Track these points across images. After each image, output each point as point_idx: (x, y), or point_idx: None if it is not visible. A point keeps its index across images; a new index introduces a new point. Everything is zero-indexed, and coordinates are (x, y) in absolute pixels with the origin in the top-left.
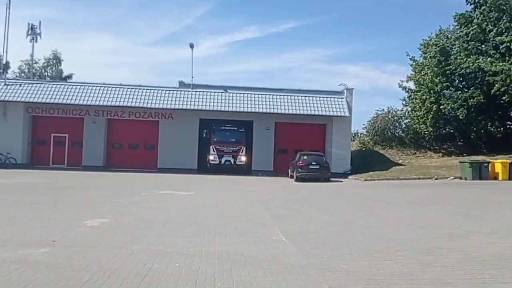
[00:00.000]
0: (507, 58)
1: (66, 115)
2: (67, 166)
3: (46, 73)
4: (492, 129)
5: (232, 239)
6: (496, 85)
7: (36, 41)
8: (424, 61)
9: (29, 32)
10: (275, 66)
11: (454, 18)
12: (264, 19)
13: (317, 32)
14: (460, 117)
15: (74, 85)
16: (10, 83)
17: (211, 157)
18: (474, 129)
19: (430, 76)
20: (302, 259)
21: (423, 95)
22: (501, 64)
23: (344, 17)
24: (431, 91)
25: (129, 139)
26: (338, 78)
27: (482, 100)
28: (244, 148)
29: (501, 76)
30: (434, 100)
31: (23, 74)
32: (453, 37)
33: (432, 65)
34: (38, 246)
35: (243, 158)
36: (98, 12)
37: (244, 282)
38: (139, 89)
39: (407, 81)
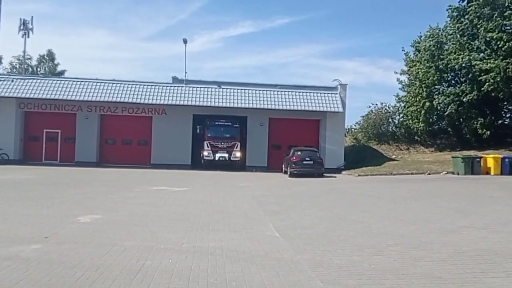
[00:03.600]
0: (498, 54)
1: (58, 111)
2: (59, 162)
3: (39, 70)
4: (484, 124)
5: (226, 235)
6: (487, 83)
7: (28, 37)
8: (417, 57)
9: (21, 28)
10: (271, 62)
11: (448, 11)
12: (259, 14)
13: (313, 27)
14: (451, 112)
15: (66, 81)
16: (2, 79)
17: (205, 153)
18: (466, 124)
19: (422, 71)
20: (295, 255)
21: (416, 90)
22: (492, 61)
23: (340, 12)
24: (423, 86)
25: (122, 135)
26: (334, 73)
27: (474, 96)
28: (239, 144)
29: (491, 74)
30: (426, 95)
31: (15, 70)
32: (446, 32)
33: (425, 59)
34: (30, 243)
35: (238, 154)
36: (93, 7)
37: (237, 277)
38: (132, 84)
39: (401, 74)
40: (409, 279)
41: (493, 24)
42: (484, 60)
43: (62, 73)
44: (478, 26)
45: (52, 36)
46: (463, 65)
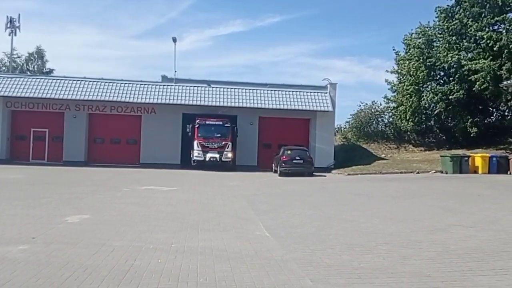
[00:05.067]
0: (487, 54)
1: (46, 110)
2: (47, 162)
3: (27, 68)
4: (472, 124)
5: (215, 235)
6: (478, 83)
7: (15, 34)
8: (406, 54)
9: (8, 25)
10: (261, 60)
11: (436, 12)
12: (250, 13)
13: (303, 26)
14: (439, 111)
15: (54, 79)
16: None
17: (195, 153)
18: (455, 123)
19: (412, 68)
20: (285, 254)
21: (405, 89)
22: (481, 61)
23: (331, 11)
24: (413, 84)
25: (111, 134)
26: (324, 72)
27: (462, 96)
28: (230, 144)
29: (481, 73)
30: (414, 93)
31: (4, 68)
32: (435, 31)
33: (415, 57)
34: (17, 243)
35: (229, 155)
36: (81, 4)
37: (226, 277)
38: (121, 83)
39: (391, 72)
40: (399, 277)
41: (482, 23)
42: (474, 61)
43: (51, 71)
44: (468, 25)
45: (39, 33)
46: (452, 64)
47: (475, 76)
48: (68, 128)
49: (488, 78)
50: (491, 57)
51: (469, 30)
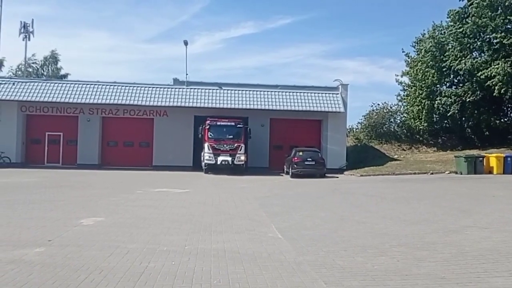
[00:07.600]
0: (501, 54)
1: (60, 114)
2: (62, 165)
3: (42, 72)
4: (486, 124)
5: (228, 237)
6: (497, 87)
7: (29, 39)
8: (418, 56)
9: (22, 30)
10: (272, 62)
11: (448, 15)
12: (260, 14)
13: (314, 27)
14: (453, 113)
15: (68, 83)
16: (4, 82)
17: (206, 156)
18: (469, 123)
19: (424, 71)
20: (298, 256)
21: (417, 91)
22: (495, 63)
23: (341, 11)
24: (425, 86)
25: (124, 137)
26: (335, 73)
27: (476, 97)
28: (243, 146)
29: (497, 77)
30: (427, 95)
31: (19, 73)
32: (447, 33)
33: (427, 60)
34: (34, 246)
35: (242, 157)
36: (93, 9)
37: (240, 279)
38: (134, 86)
39: (402, 76)
40: (413, 279)
41: (495, 24)
42: (488, 65)
43: (65, 76)
44: (483, 27)
45: (53, 38)
46: (466, 68)
47: (493, 80)
48: (82, 131)
49: (506, 80)
50: (504, 58)
51: (484, 31)
